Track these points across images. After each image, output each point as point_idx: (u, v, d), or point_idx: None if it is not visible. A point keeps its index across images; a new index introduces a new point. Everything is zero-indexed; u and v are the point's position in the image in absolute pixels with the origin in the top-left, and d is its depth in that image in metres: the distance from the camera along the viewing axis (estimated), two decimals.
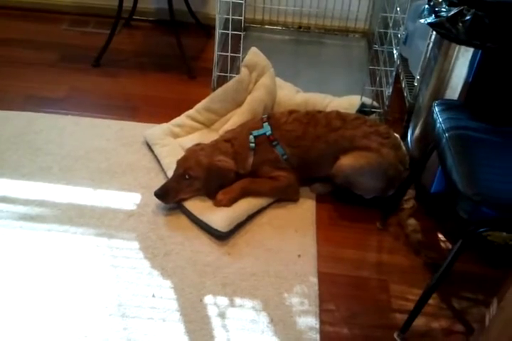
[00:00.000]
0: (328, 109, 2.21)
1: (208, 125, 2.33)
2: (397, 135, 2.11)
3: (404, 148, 2.09)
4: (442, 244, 1.95)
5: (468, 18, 1.70)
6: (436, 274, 1.51)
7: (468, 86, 1.84)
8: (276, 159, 2.03)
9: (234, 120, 2.23)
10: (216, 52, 2.39)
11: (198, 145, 2.07)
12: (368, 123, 2.04)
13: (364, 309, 1.71)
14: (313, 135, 2.01)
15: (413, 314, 1.59)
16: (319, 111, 2.10)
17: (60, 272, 1.75)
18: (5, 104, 2.45)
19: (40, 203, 1.98)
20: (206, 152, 1.99)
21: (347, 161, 1.97)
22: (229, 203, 1.92)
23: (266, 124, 2.05)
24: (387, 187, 2.01)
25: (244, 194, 1.96)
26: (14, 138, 2.26)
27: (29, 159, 2.16)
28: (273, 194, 2.02)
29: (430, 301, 1.59)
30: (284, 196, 2.04)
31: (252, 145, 2.02)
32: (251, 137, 2.02)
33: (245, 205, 1.94)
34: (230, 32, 2.31)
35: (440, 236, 1.98)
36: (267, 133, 2.03)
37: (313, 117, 2.05)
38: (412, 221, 1.96)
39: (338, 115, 2.06)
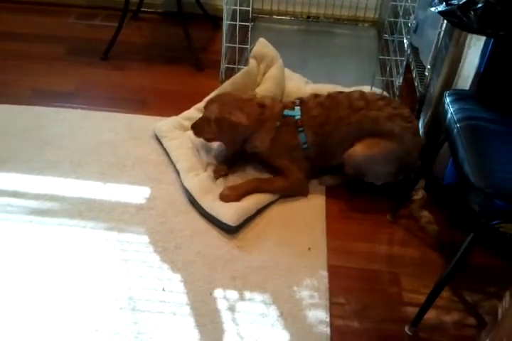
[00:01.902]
0: None
1: None
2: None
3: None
4: (454, 236, 1.93)
5: (479, 5, 1.66)
6: (448, 267, 1.49)
7: (479, 75, 1.80)
8: (296, 146, 1.98)
9: None
10: (224, 44, 2.37)
11: (230, 95, 2.04)
12: (393, 104, 1.97)
13: (375, 302, 1.69)
14: (335, 118, 1.94)
15: (424, 307, 1.58)
16: (340, 92, 2.03)
17: (70, 266, 1.75)
18: (14, 98, 2.46)
19: (51, 197, 1.98)
20: (229, 105, 1.95)
21: (359, 149, 1.92)
22: (235, 199, 1.91)
23: (298, 108, 1.98)
24: (400, 172, 1.97)
25: (252, 192, 1.94)
26: (23, 133, 2.26)
27: (39, 153, 2.17)
28: (281, 192, 2.00)
29: (442, 294, 1.57)
30: (293, 194, 2.02)
31: (278, 123, 1.96)
32: (283, 113, 1.96)
33: (254, 199, 1.93)
34: (237, 23, 2.29)
35: (452, 227, 1.96)
36: (296, 117, 1.97)
37: (334, 99, 1.98)
38: (425, 212, 1.94)
39: (361, 95, 1.98)
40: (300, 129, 1.97)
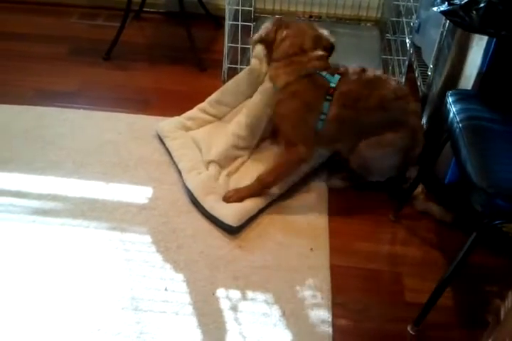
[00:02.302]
0: None
1: (220, 117, 2.32)
2: None
3: None
4: (456, 236, 1.93)
5: (482, 5, 1.66)
6: (451, 267, 1.49)
7: (482, 75, 1.80)
8: (313, 110, 1.86)
9: (246, 111, 2.21)
10: (226, 44, 2.37)
11: (287, 27, 1.94)
12: (412, 102, 1.96)
13: (377, 302, 1.70)
14: (376, 98, 1.86)
15: (427, 307, 1.58)
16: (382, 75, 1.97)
17: (73, 266, 1.76)
18: (16, 98, 2.46)
19: (53, 197, 1.99)
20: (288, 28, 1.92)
21: (368, 148, 1.90)
22: (237, 200, 1.91)
23: (338, 76, 1.87)
24: (403, 165, 1.98)
25: (255, 194, 1.93)
26: (26, 133, 2.27)
27: (41, 153, 2.17)
28: (285, 172, 1.94)
29: (444, 294, 1.57)
30: (294, 169, 1.95)
31: (304, 72, 1.85)
32: (317, 70, 1.86)
33: (256, 199, 1.93)
34: (239, 23, 2.28)
35: (454, 227, 1.96)
36: (331, 85, 1.86)
37: (379, 80, 1.91)
38: (433, 206, 1.95)
39: (399, 84, 1.96)
40: (328, 98, 1.86)
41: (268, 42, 1.93)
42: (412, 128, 1.93)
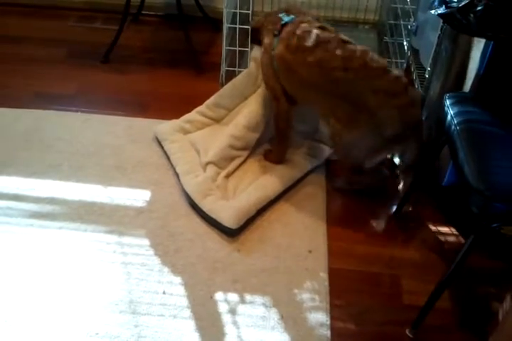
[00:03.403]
0: None
1: (218, 120, 2.32)
2: (416, 90, 1.95)
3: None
4: (454, 238, 1.93)
5: (479, 8, 1.66)
6: (449, 269, 1.49)
7: (479, 78, 1.80)
8: (267, 46, 1.94)
9: (243, 112, 2.21)
10: (224, 47, 2.37)
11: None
12: (389, 77, 1.78)
13: (375, 305, 1.69)
14: (319, 55, 1.81)
15: (425, 309, 1.58)
16: (348, 42, 1.87)
17: (71, 269, 1.75)
18: (14, 101, 2.46)
19: (51, 201, 1.99)
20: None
21: (340, 128, 1.84)
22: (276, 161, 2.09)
23: (293, 16, 1.92)
24: (393, 142, 1.86)
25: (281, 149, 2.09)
26: (24, 136, 2.27)
27: (39, 157, 2.17)
28: (280, 127, 2.06)
29: (443, 296, 1.57)
30: (278, 125, 2.05)
31: (276, 32, 1.92)
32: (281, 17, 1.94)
33: (253, 200, 1.93)
34: (237, 26, 2.28)
35: (452, 229, 1.96)
36: (282, 22, 1.92)
37: (337, 42, 1.83)
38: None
39: (363, 54, 1.81)
40: (275, 33, 1.91)
41: (257, 28, 2.03)
42: (375, 107, 1.77)
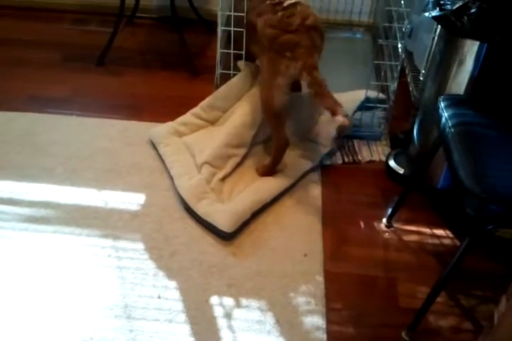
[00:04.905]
0: None
1: (213, 122, 2.31)
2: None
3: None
4: (450, 241, 1.93)
5: (473, 10, 1.66)
6: (445, 271, 1.49)
7: (474, 80, 1.81)
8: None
9: (237, 112, 2.21)
10: (219, 50, 2.36)
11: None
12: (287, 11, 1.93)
13: (371, 308, 1.69)
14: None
15: (421, 312, 1.58)
16: None
17: (65, 274, 1.74)
18: (8, 104, 2.45)
19: (45, 205, 1.98)
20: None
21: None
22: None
23: None
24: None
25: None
26: (18, 140, 2.26)
27: (33, 160, 2.16)
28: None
29: (438, 299, 1.57)
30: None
31: None
32: None
33: (248, 203, 1.92)
34: (232, 29, 2.28)
35: (448, 232, 1.96)
36: None
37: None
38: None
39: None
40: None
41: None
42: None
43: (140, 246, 1.84)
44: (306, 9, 1.98)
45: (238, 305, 1.66)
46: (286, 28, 1.91)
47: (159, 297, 1.68)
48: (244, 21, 2.17)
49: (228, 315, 1.64)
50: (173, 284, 1.72)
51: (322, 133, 2.22)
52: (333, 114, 1.79)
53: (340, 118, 1.77)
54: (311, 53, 1.93)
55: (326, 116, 2.22)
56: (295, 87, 2.09)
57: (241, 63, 2.34)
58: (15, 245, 1.83)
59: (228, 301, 1.67)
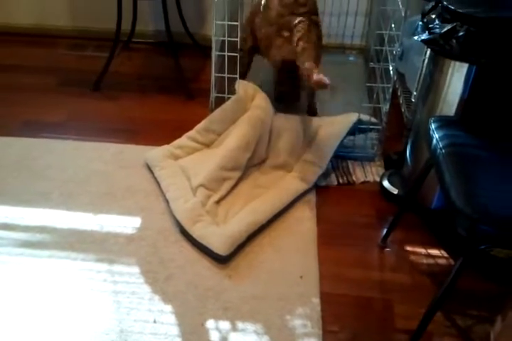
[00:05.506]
0: (322, 128, 2.26)
1: (208, 145, 2.33)
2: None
3: None
4: (445, 261, 1.93)
5: (461, 34, 1.70)
6: (439, 292, 1.49)
7: (464, 102, 1.83)
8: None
9: (232, 134, 2.23)
10: (213, 74, 2.40)
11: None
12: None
13: (368, 329, 1.69)
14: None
15: (417, 333, 1.57)
16: None
17: (61, 299, 1.74)
18: (4, 130, 2.47)
19: (41, 229, 1.98)
20: None
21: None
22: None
23: None
24: None
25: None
26: (14, 165, 2.27)
27: (29, 185, 2.17)
28: None
29: (434, 319, 1.56)
30: None
31: None
32: None
33: (244, 225, 1.93)
34: (226, 53, 2.32)
35: (443, 252, 1.96)
36: None
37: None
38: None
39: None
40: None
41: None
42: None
43: (135, 269, 1.84)
44: (315, 6, 2.25)
45: (234, 329, 1.66)
46: (293, 11, 2.16)
47: (155, 321, 1.68)
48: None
49: (224, 339, 1.63)
50: (168, 308, 1.71)
51: (318, 154, 2.24)
52: (309, 78, 1.97)
53: (315, 77, 1.95)
54: (309, 38, 2.12)
55: (321, 136, 2.25)
56: (292, 96, 2.14)
57: (238, 84, 2.36)
58: (11, 270, 1.83)
59: (224, 325, 1.67)
